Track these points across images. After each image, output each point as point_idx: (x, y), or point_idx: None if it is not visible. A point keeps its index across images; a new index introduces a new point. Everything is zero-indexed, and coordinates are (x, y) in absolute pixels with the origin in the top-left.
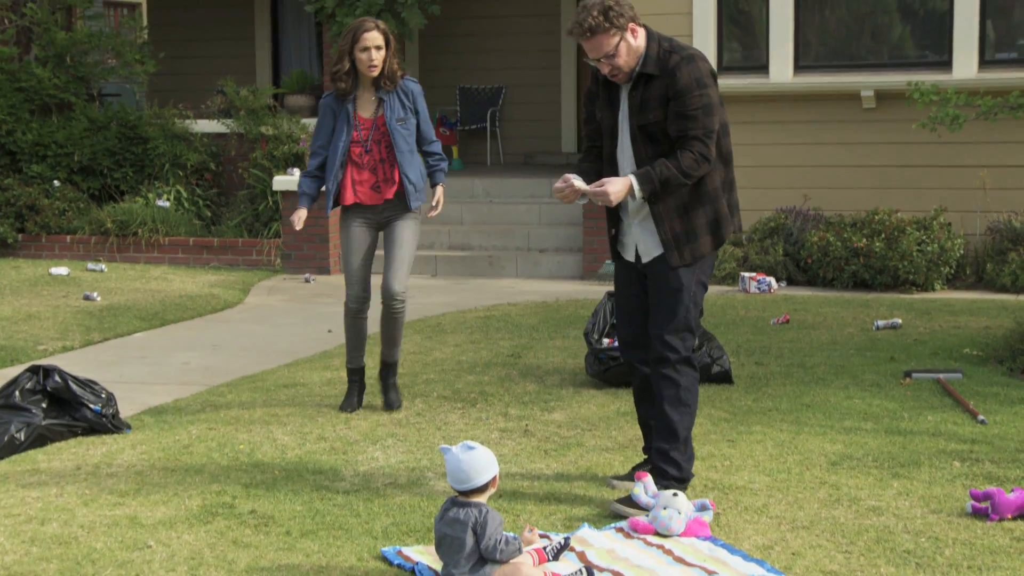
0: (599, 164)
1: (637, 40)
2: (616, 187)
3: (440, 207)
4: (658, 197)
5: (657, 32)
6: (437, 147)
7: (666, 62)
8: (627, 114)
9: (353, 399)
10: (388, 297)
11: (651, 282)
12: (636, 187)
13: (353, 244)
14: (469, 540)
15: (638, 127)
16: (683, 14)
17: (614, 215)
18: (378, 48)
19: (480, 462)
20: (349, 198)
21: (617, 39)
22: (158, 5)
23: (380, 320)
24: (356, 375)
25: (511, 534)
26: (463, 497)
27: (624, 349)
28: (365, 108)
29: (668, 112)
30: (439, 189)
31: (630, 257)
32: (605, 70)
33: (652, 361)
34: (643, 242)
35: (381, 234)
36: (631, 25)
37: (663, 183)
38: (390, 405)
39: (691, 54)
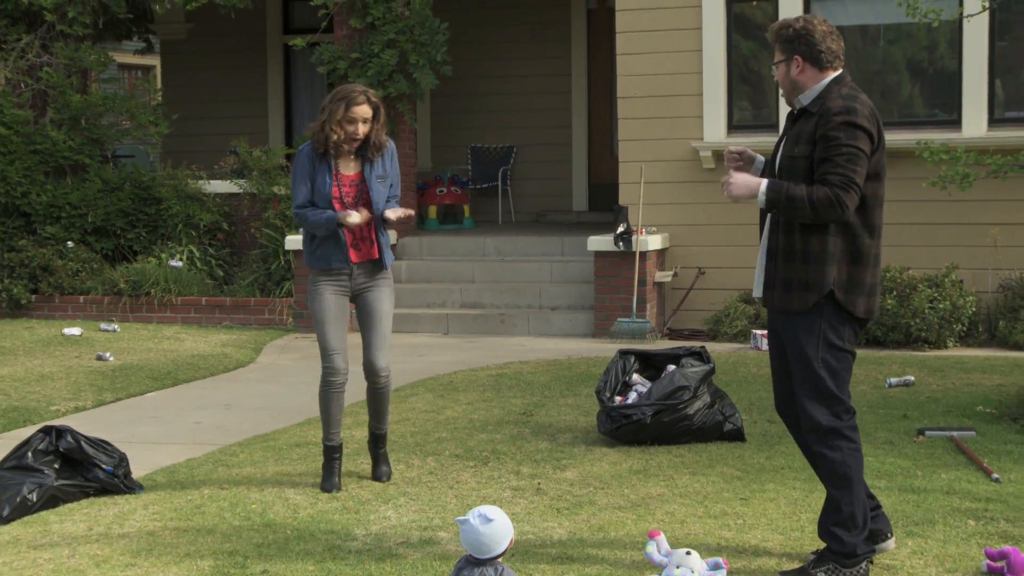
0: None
1: (798, 74)
2: (740, 179)
3: (394, 213)
4: (786, 212)
5: (851, 82)
6: (396, 199)
7: (826, 102)
8: (783, 144)
9: (334, 478)
10: (373, 375)
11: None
12: (762, 190)
13: (328, 314)
14: None
15: (787, 158)
16: (693, 73)
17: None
18: (365, 121)
19: (499, 533)
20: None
21: (781, 59)
22: (172, 67)
23: (366, 395)
24: (336, 452)
25: None
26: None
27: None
28: (347, 166)
29: (815, 152)
30: (393, 210)
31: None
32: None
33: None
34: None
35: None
36: (796, 58)
37: (789, 199)
38: (379, 477)
39: (849, 105)
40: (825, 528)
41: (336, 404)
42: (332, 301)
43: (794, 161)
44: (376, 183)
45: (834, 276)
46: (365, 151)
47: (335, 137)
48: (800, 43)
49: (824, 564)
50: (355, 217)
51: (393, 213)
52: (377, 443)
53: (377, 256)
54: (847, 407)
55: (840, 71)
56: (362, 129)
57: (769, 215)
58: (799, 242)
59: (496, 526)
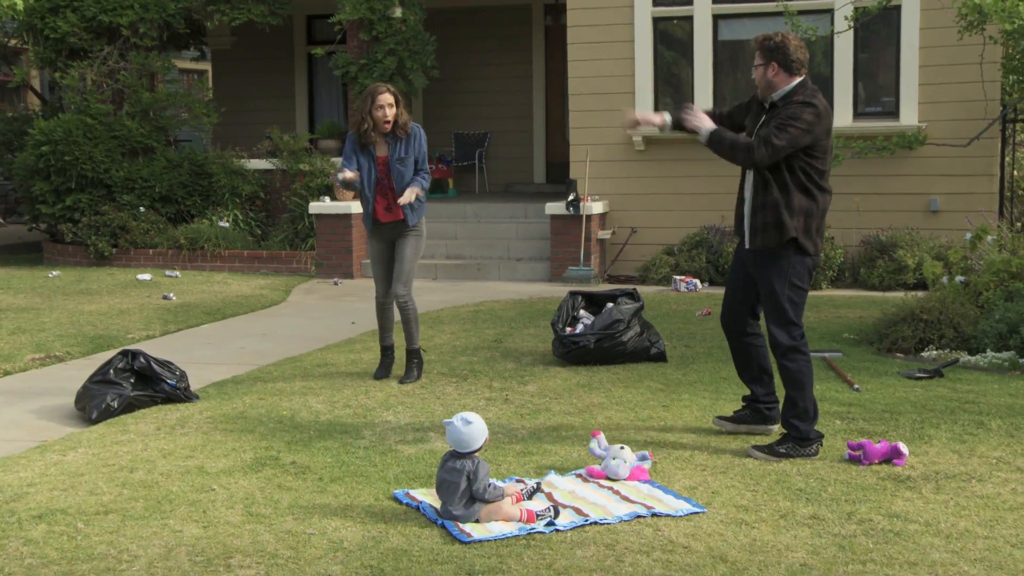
0: (720, 120)
1: (774, 78)
2: (699, 115)
3: (404, 199)
4: (711, 145)
5: (812, 86)
6: (424, 171)
7: (791, 99)
8: (759, 126)
9: (381, 370)
10: (394, 297)
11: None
12: (701, 127)
13: (374, 256)
14: (463, 484)
15: (749, 133)
16: (627, 76)
17: (740, 196)
18: (390, 106)
19: (476, 432)
20: (377, 216)
21: (761, 64)
22: (220, 71)
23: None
24: (386, 352)
25: (496, 481)
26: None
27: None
28: (381, 149)
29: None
30: (410, 189)
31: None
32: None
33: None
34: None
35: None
36: (773, 63)
37: (718, 142)
38: (401, 381)
39: (809, 101)
40: (786, 419)
41: (383, 316)
42: (375, 248)
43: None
44: (396, 164)
45: (797, 224)
46: (395, 133)
47: (365, 126)
48: (778, 52)
49: (786, 443)
50: (343, 175)
51: (403, 198)
52: (408, 356)
53: (401, 217)
54: (801, 331)
55: (804, 76)
56: (390, 112)
57: (750, 179)
58: (772, 197)
59: (474, 427)
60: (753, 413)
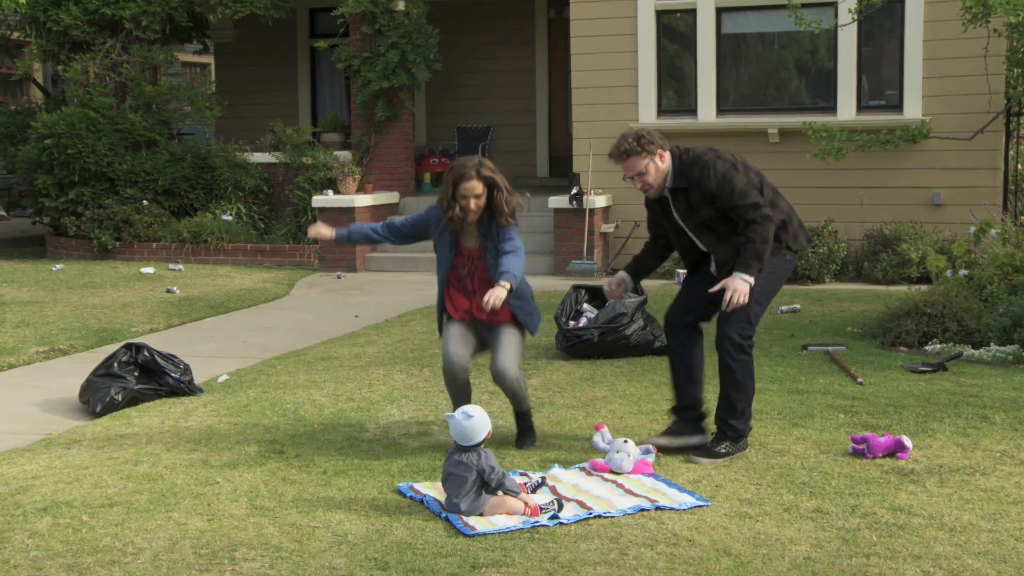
0: (654, 261)
1: (663, 163)
2: (742, 289)
3: (488, 302)
4: (761, 261)
5: (678, 148)
6: (510, 251)
7: (690, 174)
8: (681, 218)
9: None
10: (497, 374)
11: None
12: (749, 279)
13: (452, 332)
14: (471, 477)
15: (695, 224)
16: (630, 69)
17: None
18: (477, 197)
19: (478, 425)
20: (451, 312)
21: (647, 161)
22: (223, 64)
23: None
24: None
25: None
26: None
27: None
28: (469, 239)
29: (718, 208)
30: (493, 291)
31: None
32: (638, 186)
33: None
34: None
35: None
36: (659, 151)
37: (759, 258)
38: (520, 446)
39: (706, 161)
40: (721, 419)
41: (456, 388)
42: (455, 327)
43: (705, 222)
44: (488, 259)
45: (787, 237)
46: (490, 222)
47: (449, 214)
48: (656, 139)
49: (722, 442)
50: (311, 232)
51: (487, 301)
52: (520, 418)
53: (484, 319)
54: (754, 332)
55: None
56: (473, 204)
57: (699, 245)
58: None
59: (475, 420)
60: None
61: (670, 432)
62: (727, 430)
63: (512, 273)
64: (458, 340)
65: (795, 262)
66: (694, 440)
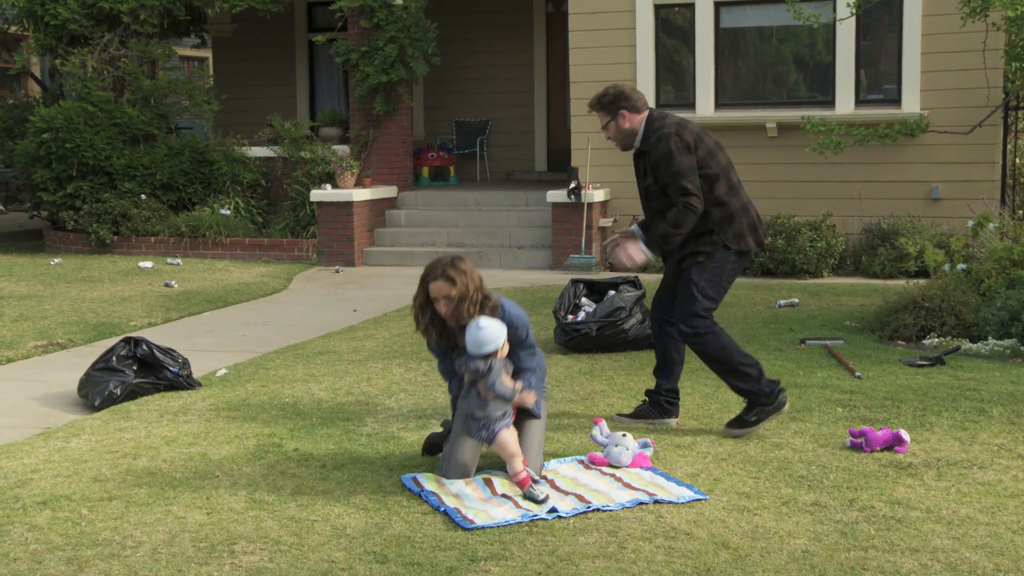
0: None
1: (627, 124)
2: (630, 252)
3: (524, 398)
4: (667, 244)
5: (660, 113)
6: (527, 359)
7: (649, 140)
8: (641, 179)
9: None
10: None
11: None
12: (646, 251)
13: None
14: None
15: (644, 189)
16: (628, 63)
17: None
18: (447, 299)
19: (490, 335)
20: None
21: (608, 119)
22: (221, 58)
23: None
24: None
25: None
26: None
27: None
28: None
29: (658, 180)
30: (522, 395)
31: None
32: (606, 137)
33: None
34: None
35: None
36: (621, 112)
37: (663, 238)
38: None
39: (664, 133)
40: (737, 390)
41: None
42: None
43: (650, 188)
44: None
45: (725, 236)
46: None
47: (425, 326)
48: (621, 100)
49: (752, 410)
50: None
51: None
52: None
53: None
54: (704, 319)
55: (647, 111)
56: (446, 306)
57: (651, 207)
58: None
59: (487, 331)
60: (653, 406)
61: (634, 412)
62: (747, 397)
63: (529, 381)
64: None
65: (744, 261)
66: (657, 422)
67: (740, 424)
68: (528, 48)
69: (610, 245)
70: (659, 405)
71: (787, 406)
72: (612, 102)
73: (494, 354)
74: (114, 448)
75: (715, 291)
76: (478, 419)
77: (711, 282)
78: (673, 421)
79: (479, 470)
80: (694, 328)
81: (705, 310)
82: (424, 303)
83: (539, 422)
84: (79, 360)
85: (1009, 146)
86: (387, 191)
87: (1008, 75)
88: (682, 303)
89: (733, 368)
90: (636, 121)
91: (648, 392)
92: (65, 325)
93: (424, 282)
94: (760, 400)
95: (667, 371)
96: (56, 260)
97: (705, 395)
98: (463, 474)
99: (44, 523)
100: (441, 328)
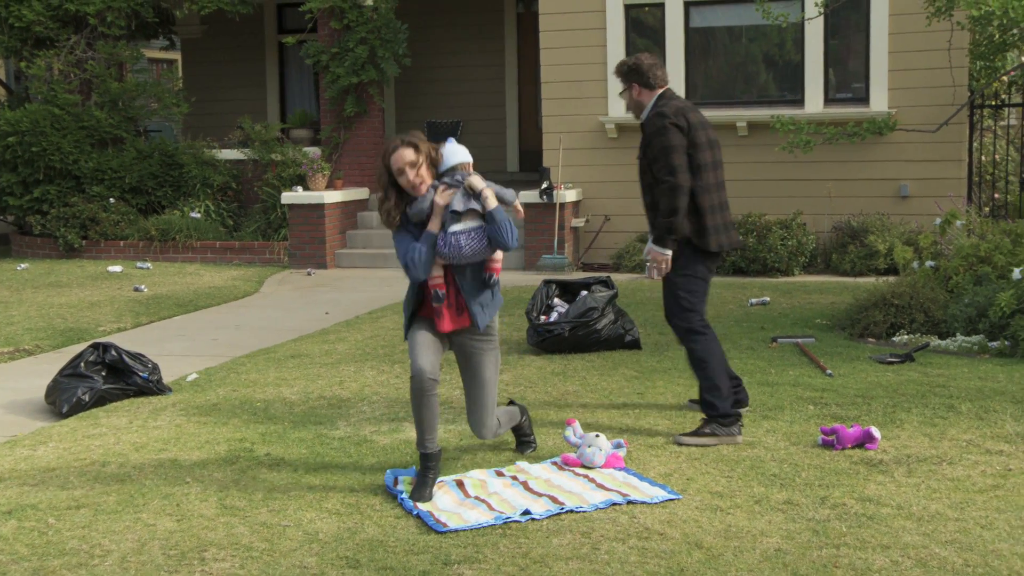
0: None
1: (638, 97)
2: (658, 259)
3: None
4: (675, 233)
5: (672, 94)
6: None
7: (650, 117)
8: (640, 151)
9: (424, 491)
10: (477, 431)
11: None
12: (658, 247)
13: (417, 331)
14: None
15: (638, 162)
16: (599, 63)
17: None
18: (411, 165)
19: (455, 149)
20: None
21: (624, 88)
22: (190, 60)
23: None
24: (432, 460)
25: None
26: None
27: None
28: (434, 221)
29: (647, 157)
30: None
31: None
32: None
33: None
34: None
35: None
36: (634, 85)
37: (668, 230)
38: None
39: (663, 111)
40: (703, 399)
41: (424, 406)
42: (422, 329)
43: (640, 164)
44: (458, 236)
45: (688, 228)
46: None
47: (389, 203)
48: (634, 73)
49: (710, 424)
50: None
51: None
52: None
53: (468, 324)
54: (696, 313)
55: (663, 89)
56: (412, 174)
57: (645, 198)
58: (650, 211)
59: (451, 146)
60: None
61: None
62: (709, 410)
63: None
64: (430, 331)
65: (711, 261)
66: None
67: (697, 435)
68: (499, 49)
69: (649, 272)
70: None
71: (740, 440)
72: (627, 73)
73: (467, 166)
74: (82, 455)
75: (692, 283)
76: (457, 234)
77: (683, 279)
78: (744, 409)
79: (451, 472)
80: (689, 324)
81: (690, 304)
82: (388, 185)
83: (491, 381)
84: (47, 367)
85: (975, 144)
86: (359, 193)
87: (973, 73)
88: (667, 300)
89: (707, 376)
90: (647, 97)
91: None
92: (32, 331)
93: (385, 159)
94: (721, 418)
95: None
96: (23, 265)
97: (677, 394)
98: (431, 375)
99: (9, 533)
100: (406, 207)
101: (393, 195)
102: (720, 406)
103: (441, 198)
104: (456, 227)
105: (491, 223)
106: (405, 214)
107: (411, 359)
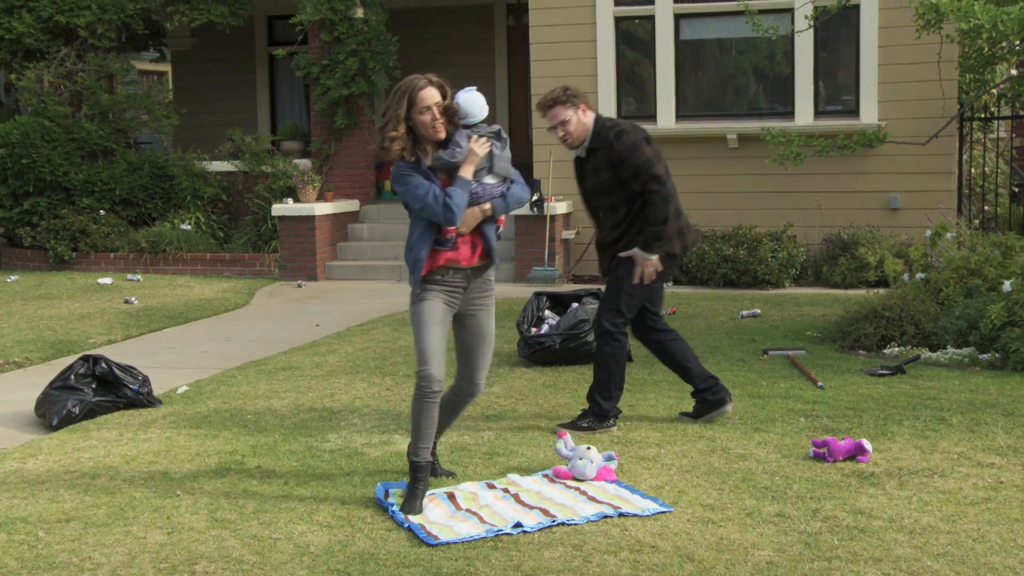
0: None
1: (586, 118)
2: (647, 265)
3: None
4: (661, 240)
5: (603, 116)
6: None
7: (606, 137)
8: (586, 178)
9: (415, 503)
10: (468, 391)
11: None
12: (648, 255)
13: (430, 316)
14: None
15: (594, 185)
16: (590, 76)
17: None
18: (438, 105)
19: (476, 100)
20: (442, 258)
21: (571, 111)
22: (181, 73)
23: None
24: (423, 472)
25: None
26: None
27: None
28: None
29: (620, 174)
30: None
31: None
32: (559, 135)
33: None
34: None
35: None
36: (582, 105)
37: (656, 238)
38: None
39: (624, 128)
40: (590, 395)
41: (428, 413)
42: (434, 306)
43: (602, 184)
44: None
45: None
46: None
47: (396, 144)
48: (580, 95)
49: (587, 418)
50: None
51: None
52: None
53: (490, 259)
54: (626, 321)
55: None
56: (436, 113)
57: (612, 220)
58: (623, 224)
59: (475, 97)
60: (704, 403)
61: (694, 413)
62: (593, 406)
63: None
64: (442, 327)
65: (673, 264)
66: (716, 413)
67: (573, 427)
68: (490, 61)
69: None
70: (706, 400)
71: (614, 429)
72: (572, 97)
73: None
74: (72, 468)
75: (639, 290)
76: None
77: (635, 285)
78: (729, 407)
79: (441, 485)
80: (616, 327)
81: (628, 308)
82: (401, 117)
83: (488, 342)
84: (36, 379)
85: (965, 156)
86: (349, 205)
87: (962, 86)
88: (609, 297)
89: (606, 379)
90: (590, 119)
91: (693, 393)
92: (22, 343)
93: (412, 92)
94: (599, 417)
95: (687, 368)
96: (13, 277)
97: (668, 407)
98: (439, 381)
99: None
100: (412, 145)
101: (403, 128)
102: (604, 406)
103: (481, 148)
104: (489, 179)
105: (515, 182)
106: (415, 158)
107: (420, 358)
